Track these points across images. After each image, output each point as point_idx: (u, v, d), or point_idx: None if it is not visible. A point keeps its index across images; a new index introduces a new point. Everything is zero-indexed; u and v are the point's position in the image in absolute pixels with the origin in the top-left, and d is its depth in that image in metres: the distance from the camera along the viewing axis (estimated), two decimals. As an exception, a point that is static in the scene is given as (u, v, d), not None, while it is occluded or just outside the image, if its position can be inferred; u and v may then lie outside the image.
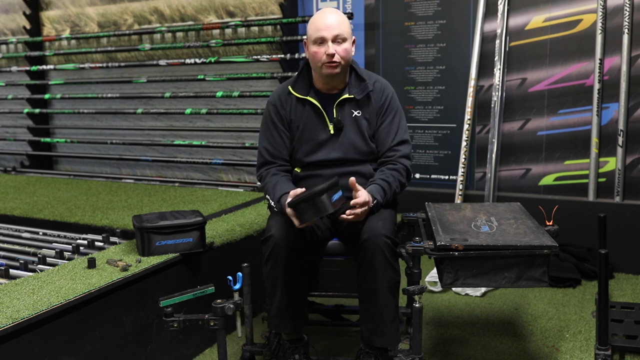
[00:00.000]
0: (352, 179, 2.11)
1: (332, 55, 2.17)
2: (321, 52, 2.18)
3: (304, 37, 3.95)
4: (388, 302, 2.12)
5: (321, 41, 2.18)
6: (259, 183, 2.38)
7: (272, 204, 2.24)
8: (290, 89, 2.33)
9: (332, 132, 2.28)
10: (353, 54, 2.27)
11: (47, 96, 5.16)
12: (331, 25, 2.17)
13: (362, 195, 2.10)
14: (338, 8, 3.99)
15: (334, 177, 2.08)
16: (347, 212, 2.10)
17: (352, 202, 2.10)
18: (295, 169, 2.36)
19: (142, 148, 4.87)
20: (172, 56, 4.63)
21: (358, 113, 2.30)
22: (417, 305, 2.04)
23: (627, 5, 3.22)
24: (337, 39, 2.18)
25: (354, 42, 2.28)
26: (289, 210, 2.07)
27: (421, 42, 3.81)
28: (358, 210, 2.09)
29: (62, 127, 5.27)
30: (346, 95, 2.29)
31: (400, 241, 2.31)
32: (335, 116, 2.29)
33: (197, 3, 4.50)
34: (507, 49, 3.55)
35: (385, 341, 2.14)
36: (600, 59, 3.34)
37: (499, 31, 3.52)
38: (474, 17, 3.60)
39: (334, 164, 2.29)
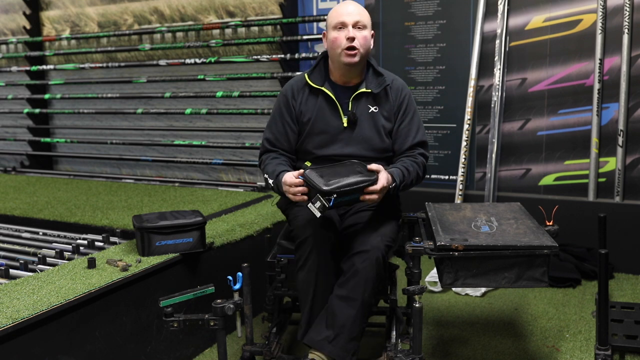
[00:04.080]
0: (372, 166, 2.08)
1: (352, 40, 2.15)
2: (341, 36, 2.16)
3: (304, 37, 3.99)
4: (357, 318, 2.05)
5: (341, 26, 2.17)
6: (259, 165, 2.37)
7: (270, 181, 2.20)
8: (306, 76, 2.30)
9: (345, 125, 2.24)
10: (372, 46, 2.25)
11: (47, 96, 5.16)
12: (352, 12, 2.18)
13: (381, 180, 2.06)
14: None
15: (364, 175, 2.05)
16: (367, 197, 2.05)
17: (371, 188, 2.05)
18: (306, 163, 2.32)
19: (142, 148, 4.87)
20: (172, 56, 4.63)
21: (375, 109, 2.27)
22: (417, 305, 2.04)
23: (627, 5, 3.22)
24: (358, 25, 2.17)
25: (372, 35, 2.26)
26: (300, 188, 2.04)
27: (421, 42, 3.81)
28: (374, 197, 2.05)
29: (62, 127, 5.27)
30: (363, 89, 2.26)
31: (400, 241, 2.30)
32: (350, 109, 2.25)
33: (197, 3, 4.50)
34: (507, 49, 3.55)
35: (337, 353, 2.02)
36: (600, 59, 3.34)
37: (499, 31, 3.52)
38: (474, 17, 3.60)
39: (346, 160, 2.21)
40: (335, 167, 2.09)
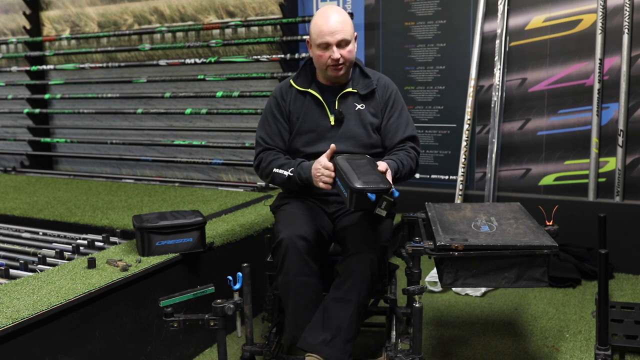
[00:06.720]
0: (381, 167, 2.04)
1: (337, 59, 2.18)
2: (326, 56, 2.19)
3: (304, 37, 3.98)
4: (353, 319, 2.06)
5: (325, 46, 2.18)
6: (257, 164, 2.33)
7: (286, 174, 2.20)
8: (291, 82, 2.34)
9: (332, 123, 2.27)
10: (356, 51, 2.27)
11: (47, 96, 5.16)
12: (335, 30, 2.16)
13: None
14: (338, 8, 3.98)
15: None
16: None
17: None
18: None
19: (142, 148, 4.87)
20: (172, 56, 4.63)
21: (362, 106, 2.29)
22: (417, 305, 2.04)
23: (627, 5, 3.22)
24: (341, 43, 2.18)
25: (356, 38, 2.27)
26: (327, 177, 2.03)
27: (421, 42, 3.81)
28: None
29: (62, 127, 5.27)
30: (350, 89, 2.29)
31: (400, 241, 2.30)
32: (337, 108, 2.28)
33: (197, 3, 4.50)
34: (507, 49, 3.55)
35: (335, 355, 2.02)
36: (600, 59, 3.34)
37: (499, 31, 3.52)
38: (474, 17, 3.60)
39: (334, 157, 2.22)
40: (353, 162, 2.05)
